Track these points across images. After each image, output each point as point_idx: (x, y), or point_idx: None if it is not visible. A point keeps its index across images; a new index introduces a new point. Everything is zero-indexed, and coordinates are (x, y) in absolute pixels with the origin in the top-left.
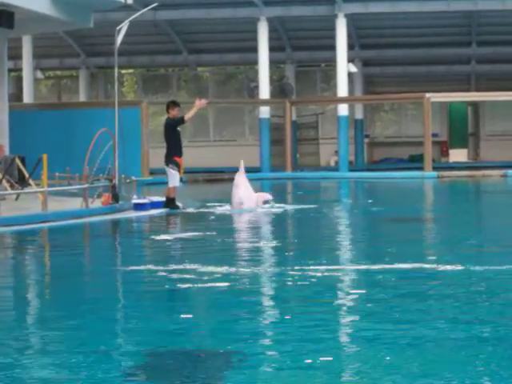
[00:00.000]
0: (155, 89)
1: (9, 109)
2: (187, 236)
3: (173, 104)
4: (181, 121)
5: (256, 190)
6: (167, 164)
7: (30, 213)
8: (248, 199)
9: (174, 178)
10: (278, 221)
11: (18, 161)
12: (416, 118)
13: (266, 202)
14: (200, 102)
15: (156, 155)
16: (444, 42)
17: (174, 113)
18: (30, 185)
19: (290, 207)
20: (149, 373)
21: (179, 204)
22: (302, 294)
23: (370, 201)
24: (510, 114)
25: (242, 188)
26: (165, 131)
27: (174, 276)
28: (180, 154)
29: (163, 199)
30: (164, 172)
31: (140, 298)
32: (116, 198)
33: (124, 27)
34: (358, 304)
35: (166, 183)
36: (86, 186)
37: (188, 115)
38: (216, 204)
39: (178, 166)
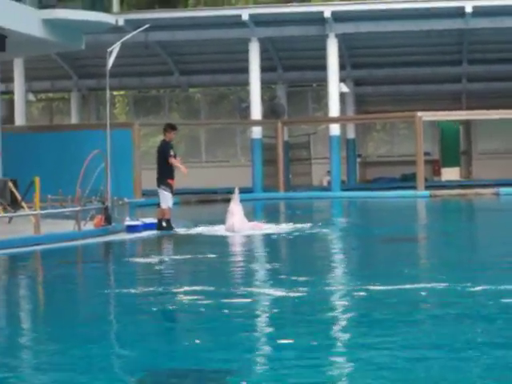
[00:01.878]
0: (147, 110)
1: (1, 131)
2: (180, 258)
3: (170, 127)
4: (168, 156)
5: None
6: (159, 185)
7: (23, 236)
8: (242, 227)
9: (166, 199)
10: (274, 243)
11: (10, 183)
12: (408, 137)
13: None
14: (184, 170)
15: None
16: (435, 61)
17: (171, 136)
18: (22, 207)
19: (283, 228)
20: None
21: (174, 226)
22: (300, 315)
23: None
24: (501, 132)
25: (237, 217)
26: (158, 154)
27: (168, 297)
28: (172, 178)
29: (156, 221)
30: (156, 193)
31: (133, 319)
32: (109, 219)
33: (115, 49)
34: (356, 324)
35: (158, 205)
36: (79, 208)
37: (173, 161)
38: (209, 226)
39: (170, 187)
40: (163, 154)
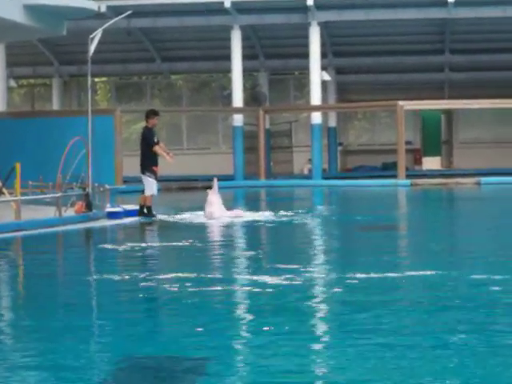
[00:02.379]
0: (129, 97)
1: None
2: (162, 244)
3: (152, 113)
4: (152, 144)
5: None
6: (143, 172)
7: (3, 222)
8: (221, 215)
9: (150, 186)
10: (255, 230)
11: None
12: (389, 126)
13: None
14: (170, 158)
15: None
16: (418, 50)
17: (154, 122)
18: (3, 193)
19: (264, 216)
20: (121, 382)
21: (155, 213)
22: (277, 302)
23: (347, 208)
24: (483, 122)
25: (216, 206)
26: (142, 141)
27: (148, 284)
28: (156, 164)
29: (137, 207)
30: (138, 180)
31: (112, 306)
32: (89, 206)
33: (97, 35)
34: (332, 312)
35: (142, 191)
36: (60, 194)
37: (157, 149)
38: (190, 213)
39: (155, 174)
40: (146, 141)
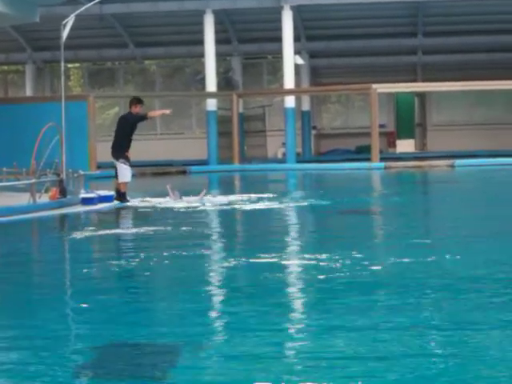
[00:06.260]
0: (102, 82)
1: None
2: (138, 230)
3: (136, 101)
4: (144, 117)
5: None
6: (117, 158)
7: None
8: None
9: (124, 172)
10: (227, 214)
11: None
12: (363, 109)
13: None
14: (168, 111)
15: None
16: (390, 33)
17: (137, 110)
18: None
19: (238, 200)
20: (97, 366)
21: (129, 198)
22: (253, 285)
23: (321, 192)
24: (456, 104)
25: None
26: (121, 124)
27: (123, 270)
28: (128, 149)
29: (111, 193)
30: (112, 166)
31: (90, 291)
32: (64, 192)
33: (70, 21)
34: (306, 296)
35: (115, 177)
36: (34, 180)
37: (153, 113)
38: (164, 198)
39: (128, 160)
40: (130, 125)
